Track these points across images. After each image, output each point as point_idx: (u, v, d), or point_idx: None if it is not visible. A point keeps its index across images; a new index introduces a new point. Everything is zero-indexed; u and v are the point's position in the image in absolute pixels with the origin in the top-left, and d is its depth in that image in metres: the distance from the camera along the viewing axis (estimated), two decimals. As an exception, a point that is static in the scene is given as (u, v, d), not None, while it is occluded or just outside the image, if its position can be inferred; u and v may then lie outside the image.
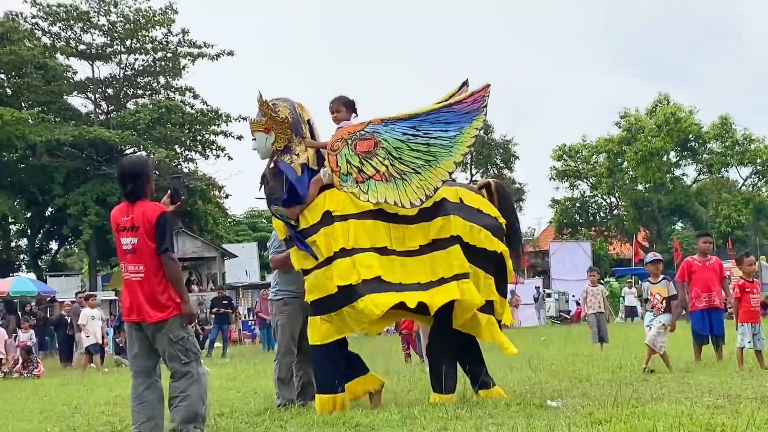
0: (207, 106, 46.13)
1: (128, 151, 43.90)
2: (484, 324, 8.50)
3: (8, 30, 42.35)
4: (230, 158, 54.74)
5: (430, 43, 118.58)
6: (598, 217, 64.50)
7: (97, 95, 46.41)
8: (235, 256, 47.04)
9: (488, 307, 8.55)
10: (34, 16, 43.64)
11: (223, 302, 25.99)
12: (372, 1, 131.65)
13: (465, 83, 8.92)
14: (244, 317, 36.74)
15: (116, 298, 34.69)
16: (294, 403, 8.68)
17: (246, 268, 50.77)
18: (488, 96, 8.54)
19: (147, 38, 45.04)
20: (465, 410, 7.39)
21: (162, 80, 47.05)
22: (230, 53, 45.36)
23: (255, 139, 8.57)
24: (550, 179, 62.92)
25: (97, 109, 46.18)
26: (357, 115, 8.83)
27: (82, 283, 43.31)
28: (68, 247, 55.97)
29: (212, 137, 46.38)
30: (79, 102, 47.46)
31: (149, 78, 46.94)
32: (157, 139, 43.45)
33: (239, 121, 45.77)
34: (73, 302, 24.71)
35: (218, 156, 46.74)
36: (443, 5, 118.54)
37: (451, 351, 8.57)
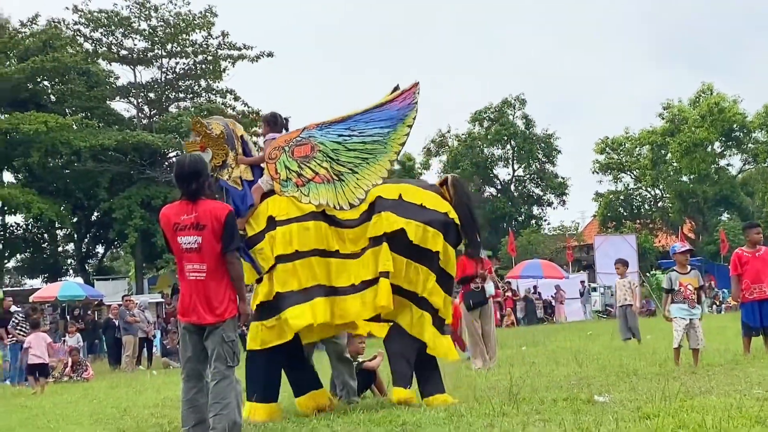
0: (248, 107, 46.30)
1: (171, 155, 44.31)
2: (416, 319, 8.45)
3: (51, 37, 42.87)
4: (272, 159, 54.89)
5: (474, 39, 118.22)
6: (642, 210, 63.74)
7: (140, 100, 46.78)
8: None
9: (425, 304, 8.48)
10: (76, 23, 44.07)
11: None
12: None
13: (396, 87, 8.97)
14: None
15: (163, 300, 35.01)
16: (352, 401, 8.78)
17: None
18: (418, 93, 8.69)
19: (187, 42, 45.26)
20: (511, 407, 7.37)
21: (203, 83, 47.33)
22: (270, 54, 45.51)
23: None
24: (593, 172, 62.27)
25: (140, 114, 46.52)
26: (277, 128, 9.08)
27: (128, 287, 43.70)
28: (114, 250, 56.48)
29: (254, 138, 46.43)
30: (121, 107, 48.01)
31: (190, 81, 47.24)
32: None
33: (280, 122, 45.89)
34: (119, 305, 24.93)
35: (260, 158, 46.85)
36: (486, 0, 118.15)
37: (410, 351, 8.52)
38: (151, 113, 46.80)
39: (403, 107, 8.61)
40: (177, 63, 46.22)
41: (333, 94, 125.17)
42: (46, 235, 49.33)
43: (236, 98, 46.59)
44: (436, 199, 8.74)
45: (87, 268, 50.94)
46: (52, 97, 44.99)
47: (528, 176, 67.53)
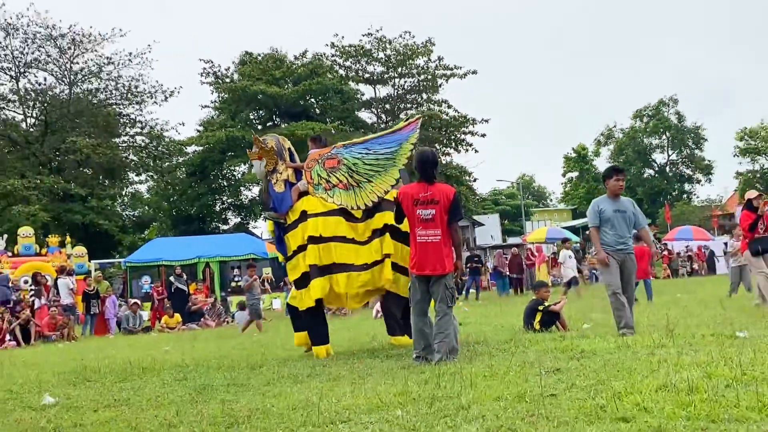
0: (458, 113, 46.34)
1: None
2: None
3: (316, 66, 44.77)
4: (476, 151, 55.61)
5: (637, 49, 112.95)
6: (776, 186, 59.51)
7: (378, 110, 47.83)
8: (482, 225, 47.84)
9: None
10: (333, 55, 45.69)
11: (475, 259, 26.70)
12: (585, 5, 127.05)
13: (409, 117, 9.07)
14: (491, 270, 36.74)
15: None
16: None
17: (491, 233, 51.29)
18: (419, 125, 8.84)
19: (413, 65, 45.76)
20: (668, 340, 7.11)
21: (424, 96, 47.67)
22: (474, 72, 45.34)
23: (253, 166, 9.20)
24: (734, 156, 59.25)
25: (379, 120, 47.46)
26: (324, 144, 9.28)
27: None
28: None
29: (462, 136, 46.55)
30: (366, 116, 49.06)
31: (415, 95, 47.69)
32: (422, 139, 44.03)
33: (482, 123, 45.84)
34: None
35: (467, 150, 46.73)
36: None
37: (399, 309, 8.81)
38: (387, 120, 47.69)
39: (408, 132, 8.75)
40: (405, 82, 46.86)
41: (528, 102, 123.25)
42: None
43: (449, 106, 46.73)
44: None
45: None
46: (317, 110, 46.71)
47: (680, 160, 65.98)
